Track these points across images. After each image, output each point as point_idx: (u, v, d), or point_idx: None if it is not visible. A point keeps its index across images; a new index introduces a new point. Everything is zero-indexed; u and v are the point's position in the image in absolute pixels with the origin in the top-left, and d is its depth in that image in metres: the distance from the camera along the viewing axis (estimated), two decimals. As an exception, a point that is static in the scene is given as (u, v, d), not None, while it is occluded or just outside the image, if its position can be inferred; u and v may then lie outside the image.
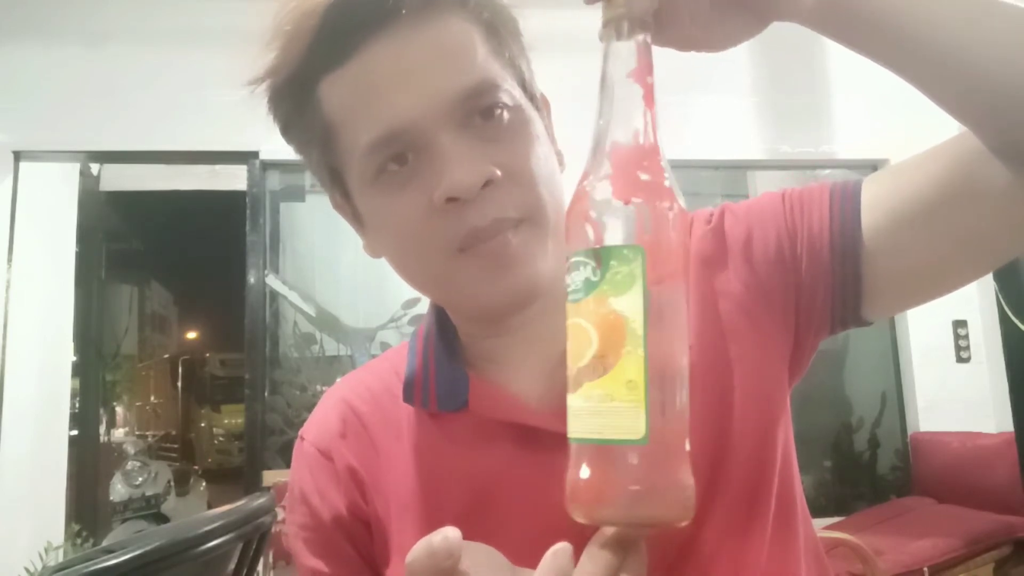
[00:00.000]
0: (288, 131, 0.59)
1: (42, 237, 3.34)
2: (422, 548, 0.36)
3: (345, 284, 3.37)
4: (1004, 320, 2.76)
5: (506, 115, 0.52)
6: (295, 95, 0.55)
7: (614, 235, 0.38)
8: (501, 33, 0.55)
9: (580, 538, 0.52)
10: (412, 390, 0.60)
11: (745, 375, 0.56)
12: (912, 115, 3.40)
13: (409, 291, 3.43)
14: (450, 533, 0.36)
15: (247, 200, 3.22)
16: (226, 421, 10.62)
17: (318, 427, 0.64)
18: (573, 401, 0.38)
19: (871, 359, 3.59)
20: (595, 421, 0.37)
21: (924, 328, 3.40)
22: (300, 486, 0.63)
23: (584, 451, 0.38)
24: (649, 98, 0.40)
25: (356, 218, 0.60)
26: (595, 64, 0.40)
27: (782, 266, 0.57)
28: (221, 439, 10.57)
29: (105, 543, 2.86)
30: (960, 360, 3.47)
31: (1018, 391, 2.78)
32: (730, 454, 0.54)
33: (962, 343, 3.46)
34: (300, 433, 0.65)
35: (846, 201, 0.55)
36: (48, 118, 3.10)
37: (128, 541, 1.23)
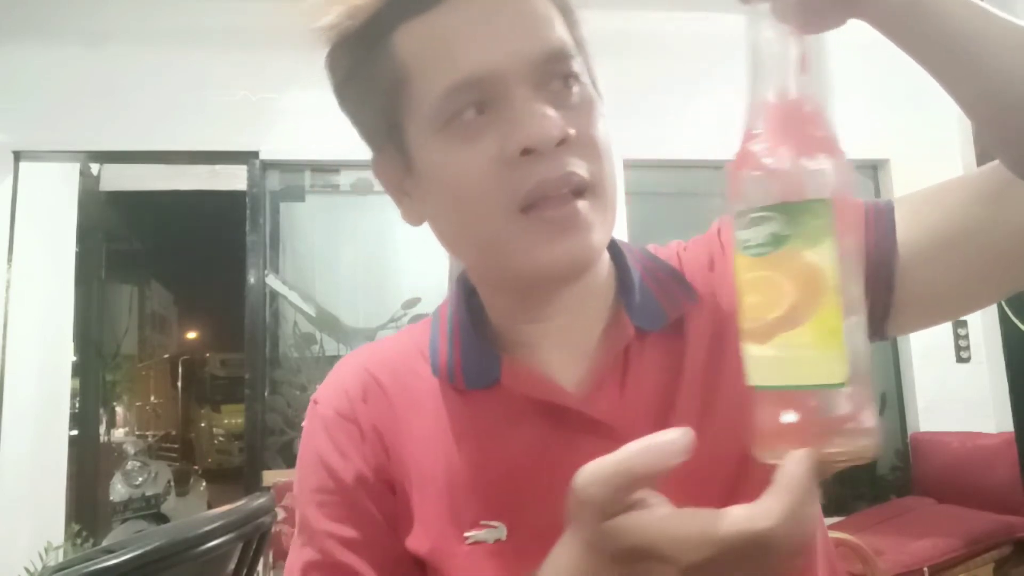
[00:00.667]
0: (347, 83, 0.59)
1: (42, 237, 3.34)
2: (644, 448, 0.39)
3: (345, 284, 3.37)
4: (1004, 320, 2.76)
5: (578, 87, 0.54)
6: (366, 43, 0.55)
7: (800, 190, 0.39)
8: (574, 19, 0.57)
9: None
10: (439, 365, 0.60)
11: None
12: (912, 116, 3.42)
13: (409, 291, 3.45)
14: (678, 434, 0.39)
15: (247, 200, 3.22)
16: (226, 421, 10.62)
17: (336, 391, 0.63)
18: (762, 351, 0.39)
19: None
20: (794, 368, 0.38)
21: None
22: (316, 450, 0.61)
23: (782, 397, 0.39)
24: (808, 56, 0.42)
25: (406, 177, 0.58)
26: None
27: None
28: (221, 439, 10.57)
29: (105, 543, 2.86)
30: (960, 360, 3.47)
31: (1018, 391, 2.78)
32: (750, 455, 0.55)
33: (962, 343, 3.46)
34: (313, 398, 0.64)
35: (880, 217, 0.57)
36: (48, 118, 3.10)
37: (128, 541, 1.23)
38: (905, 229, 0.56)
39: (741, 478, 0.55)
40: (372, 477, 0.59)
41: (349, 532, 0.58)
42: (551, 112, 0.51)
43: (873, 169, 3.64)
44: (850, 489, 3.52)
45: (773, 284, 0.39)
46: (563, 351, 0.59)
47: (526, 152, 0.50)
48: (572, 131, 0.52)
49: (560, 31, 0.54)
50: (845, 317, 0.38)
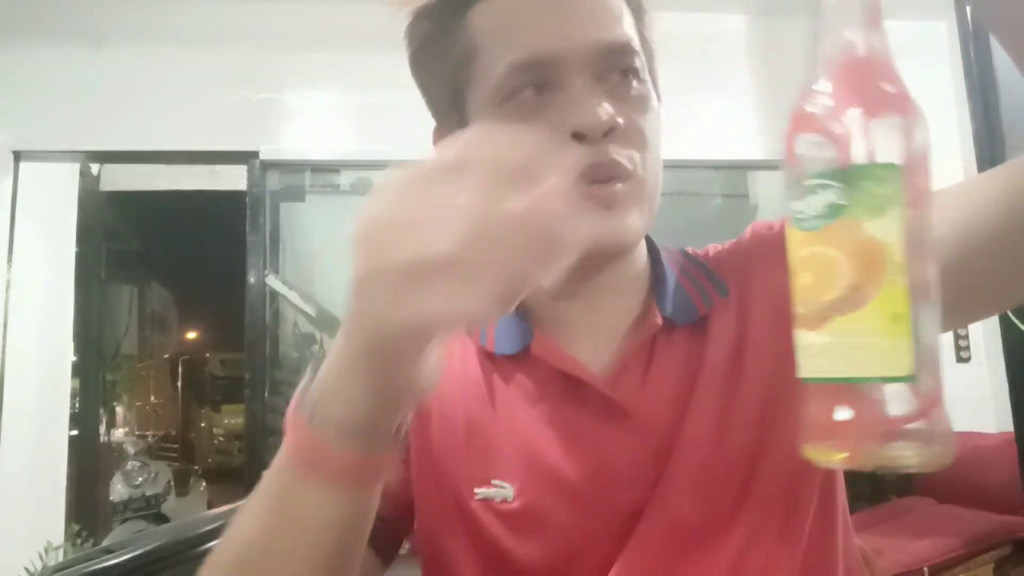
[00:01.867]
0: (421, 52, 0.61)
1: (42, 237, 3.34)
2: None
3: (345, 284, 3.37)
4: (1004, 320, 2.76)
5: (636, 84, 0.56)
6: (445, 16, 0.58)
7: (862, 153, 0.34)
8: (645, 19, 0.60)
9: (627, 492, 0.56)
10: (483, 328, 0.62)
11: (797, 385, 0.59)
12: (912, 115, 3.41)
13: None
14: None
15: (247, 200, 3.22)
16: (226, 421, 10.62)
17: None
18: (814, 338, 0.35)
19: (871, 359, 3.59)
20: (852, 358, 0.34)
21: (924, 328, 3.40)
22: None
23: (837, 391, 0.35)
24: (876, 7, 0.37)
25: None
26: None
27: None
28: (221, 439, 10.57)
29: (105, 543, 2.86)
30: (960, 360, 3.47)
31: (1018, 391, 2.77)
32: (767, 456, 0.56)
33: (962, 343, 3.46)
34: None
35: None
36: (48, 118, 3.10)
37: (128, 541, 1.23)
38: (938, 231, 0.57)
39: (755, 476, 0.56)
40: None
41: None
42: (605, 101, 0.53)
43: (873, 169, 3.64)
44: (850, 489, 3.50)
45: (829, 261, 0.34)
46: (592, 334, 0.60)
47: (576, 136, 0.52)
48: (621, 121, 0.54)
49: (627, 27, 0.56)
50: (913, 300, 0.33)
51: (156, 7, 3.14)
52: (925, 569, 2.56)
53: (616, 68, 0.55)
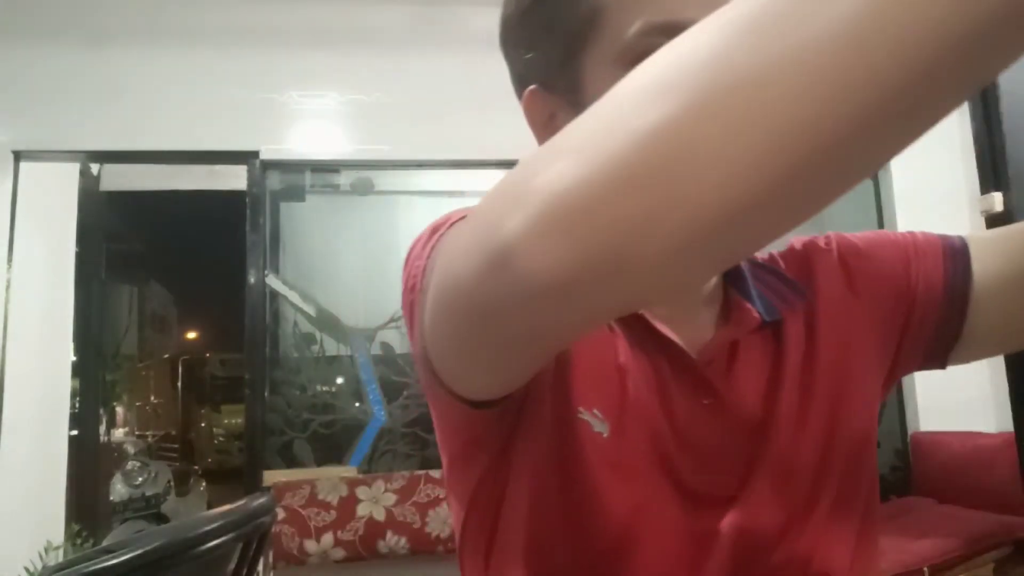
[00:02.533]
0: (532, 11, 0.57)
1: (42, 237, 3.35)
2: None
3: (345, 284, 3.37)
4: (1004, 320, 2.75)
5: None
6: None
7: None
8: None
9: (718, 475, 0.56)
10: None
11: (854, 393, 0.61)
12: (912, 115, 3.41)
13: (409, 291, 3.44)
14: None
15: (247, 200, 3.22)
16: (226, 421, 10.62)
17: None
18: None
19: (871, 359, 3.58)
20: None
21: (924, 328, 3.40)
22: None
23: None
24: None
25: (565, 110, 0.58)
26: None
27: (898, 304, 0.62)
28: (221, 439, 10.57)
29: (105, 543, 2.86)
30: (960, 360, 3.47)
31: (1018, 391, 2.77)
32: (833, 460, 0.59)
33: (962, 343, 3.46)
34: None
35: (956, 251, 0.61)
36: (48, 118, 3.10)
37: (128, 541, 1.23)
38: (981, 262, 0.59)
39: (823, 473, 0.58)
40: None
41: None
42: None
43: (873, 169, 3.64)
44: (850, 489, 3.52)
45: None
46: (676, 319, 0.60)
47: None
48: None
49: None
50: None
51: (156, 7, 3.15)
52: (925, 569, 2.56)
53: None
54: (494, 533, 0.59)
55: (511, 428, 0.57)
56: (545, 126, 0.60)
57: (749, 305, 0.60)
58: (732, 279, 0.63)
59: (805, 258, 0.66)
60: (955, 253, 0.61)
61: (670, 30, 0.50)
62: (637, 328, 0.59)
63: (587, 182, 0.29)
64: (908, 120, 0.26)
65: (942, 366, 0.64)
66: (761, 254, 0.68)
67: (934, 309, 0.61)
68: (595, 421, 0.56)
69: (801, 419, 0.59)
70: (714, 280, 0.63)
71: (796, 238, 0.68)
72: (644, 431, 0.56)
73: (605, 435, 0.55)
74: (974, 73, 0.25)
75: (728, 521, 0.56)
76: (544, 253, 0.30)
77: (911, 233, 0.65)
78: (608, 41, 0.54)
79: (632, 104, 0.28)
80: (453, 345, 0.43)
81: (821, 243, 0.66)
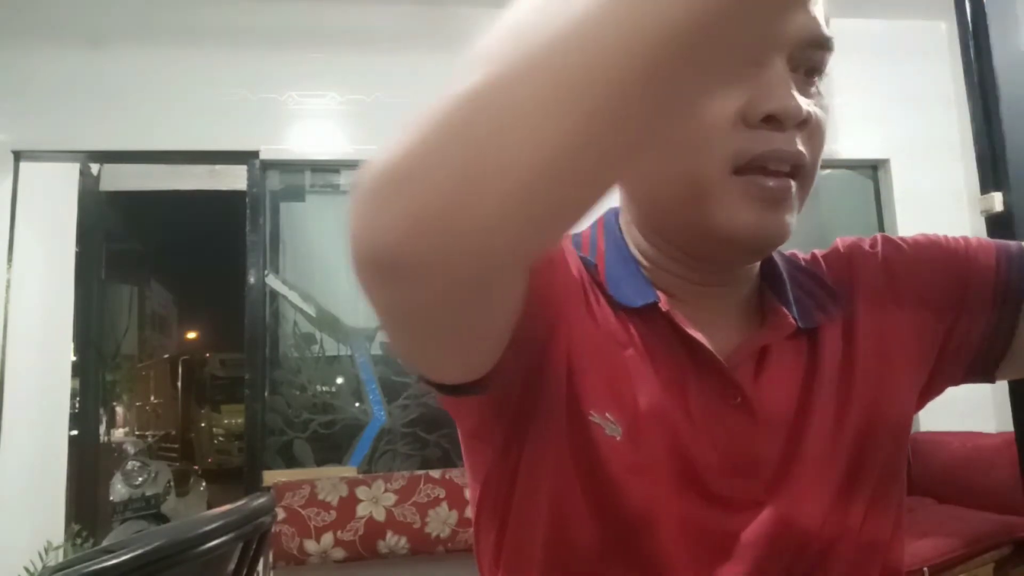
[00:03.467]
0: None
1: (42, 237, 3.34)
2: None
3: (345, 284, 3.37)
4: (1004, 320, 2.75)
5: (819, 81, 0.55)
6: None
7: None
8: (829, 20, 0.58)
9: (743, 479, 0.56)
10: (600, 276, 0.60)
11: (891, 402, 0.60)
12: (912, 116, 3.42)
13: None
14: None
15: (247, 200, 3.22)
16: (226, 421, 10.62)
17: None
18: None
19: (871, 359, 3.58)
20: None
21: (924, 328, 3.40)
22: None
23: None
24: None
25: None
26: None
27: (943, 312, 0.61)
28: (221, 439, 10.57)
29: (105, 543, 2.86)
30: (960, 360, 3.47)
31: (1018, 391, 2.77)
32: (867, 469, 0.58)
33: (962, 343, 3.46)
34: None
35: (1011, 258, 0.59)
36: (48, 118, 3.10)
37: (128, 541, 1.23)
38: None
39: (857, 482, 0.57)
40: (559, 298, 0.55)
41: None
42: (799, 90, 0.52)
43: (873, 169, 3.64)
44: (850, 489, 3.52)
45: None
46: (709, 320, 0.59)
47: (769, 119, 0.51)
48: (813, 115, 0.52)
49: (828, 24, 0.54)
50: None
51: (156, 7, 3.15)
52: (925, 569, 2.56)
53: (810, 62, 0.53)
54: (506, 524, 0.58)
55: (513, 426, 0.56)
56: None
57: (785, 311, 0.59)
58: (771, 282, 0.62)
59: (848, 261, 0.64)
60: (1010, 260, 0.59)
61: None
62: (662, 328, 0.58)
63: (409, 151, 0.30)
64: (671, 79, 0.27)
65: (990, 379, 0.62)
66: (805, 255, 0.67)
67: (982, 319, 0.60)
68: (607, 424, 0.55)
69: (837, 427, 0.57)
70: (751, 284, 0.62)
71: (840, 239, 0.67)
72: (661, 433, 0.55)
73: (618, 438, 0.55)
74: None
75: (755, 526, 0.55)
76: (373, 226, 0.31)
77: (964, 238, 0.63)
78: None
79: (459, 75, 0.30)
80: (383, 328, 0.42)
81: (866, 245, 0.65)
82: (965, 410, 3.32)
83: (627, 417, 0.55)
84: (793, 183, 0.53)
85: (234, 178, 3.42)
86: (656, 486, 0.54)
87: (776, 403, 0.57)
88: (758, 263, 0.62)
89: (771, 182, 0.52)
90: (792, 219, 0.54)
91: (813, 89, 0.54)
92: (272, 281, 3.22)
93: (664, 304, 0.57)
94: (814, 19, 0.52)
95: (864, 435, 0.58)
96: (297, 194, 3.40)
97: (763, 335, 0.59)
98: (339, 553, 2.71)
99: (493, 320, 0.44)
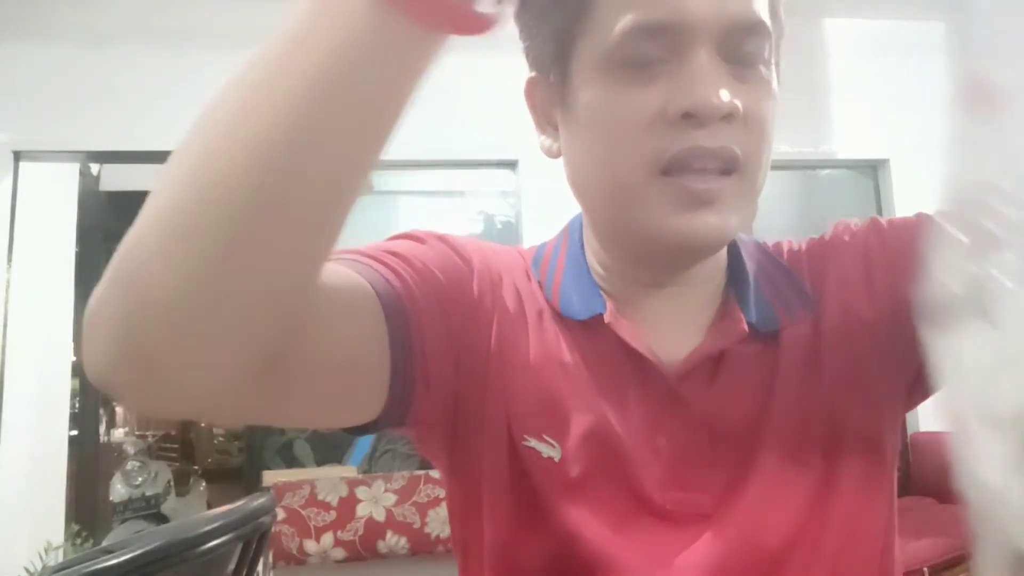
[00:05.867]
0: None
1: (42, 237, 3.34)
2: None
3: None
4: (1004, 320, 2.75)
5: (761, 67, 0.52)
6: None
7: None
8: (777, 3, 0.54)
9: (687, 492, 0.54)
10: (544, 284, 0.59)
11: (865, 404, 0.56)
12: (912, 115, 3.42)
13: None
14: None
15: (247, 200, 3.21)
16: (226, 421, 10.60)
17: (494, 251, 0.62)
18: None
19: (871, 359, 3.59)
20: None
21: (924, 328, 3.40)
22: (461, 240, 0.60)
23: None
24: None
25: (557, 106, 0.56)
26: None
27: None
28: (221, 439, 10.55)
29: (105, 543, 2.86)
30: (960, 360, 3.47)
31: (1018, 391, 2.77)
32: (840, 480, 0.55)
33: (962, 343, 3.46)
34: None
35: None
36: (48, 118, 3.10)
37: (128, 541, 1.23)
38: None
39: (826, 496, 0.55)
40: (464, 310, 0.56)
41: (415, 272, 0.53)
42: (726, 82, 0.49)
43: (873, 169, 3.64)
44: (850, 489, 3.52)
45: None
46: (665, 324, 0.57)
47: (687, 116, 0.48)
48: (741, 106, 0.49)
49: (762, 8, 0.51)
50: None
51: (156, 7, 3.14)
52: (925, 569, 2.56)
53: (744, 48, 0.50)
54: (466, 549, 0.59)
55: (452, 453, 0.57)
56: (543, 117, 0.58)
57: (740, 314, 0.56)
58: (735, 280, 0.59)
59: (828, 252, 0.61)
60: None
61: (653, 31, 0.48)
62: (608, 340, 0.56)
63: (96, 295, 0.37)
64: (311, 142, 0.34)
65: None
66: (793, 244, 0.64)
67: None
68: (543, 447, 0.54)
69: (800, 436, 0.54)
70: (715, 281, 0.59)
71: (836, 224, 0.63)
72: (601, 450, 0.54)
73: (556, 459, 0.54)
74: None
75: (702, 542, 0.53)
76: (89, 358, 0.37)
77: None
78: (595, 39, 0.51)
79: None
80: None
81: (847, 235, 0.62)
82: (965, 410, 3.33)
83: (564, 437, 0.54)
84: (728, 180, 0.50)
85: (234, 178, 3.42)
86: (596, 504, 0.53)
87: (730, 412, 0.55)
88: (725, 257, 0.59)
89: (698, 182, 0.49)
90: (732, 218, 0.51)
91: (755, 73, 0.51)
92: (272, 281, 3.22)
93: (609, 315, 0.56)
94: (741, 4, 0.49)
95: (835, 444, 0.55)
96: (297, 194, 3.40)
97: (714, 341, 0.56)
98: (339, 553, 2.71)
99: (298, 392, 0.46)
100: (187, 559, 1.17)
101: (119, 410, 6.64)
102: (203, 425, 10.96)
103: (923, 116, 3.37)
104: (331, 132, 0.34)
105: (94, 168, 3.84)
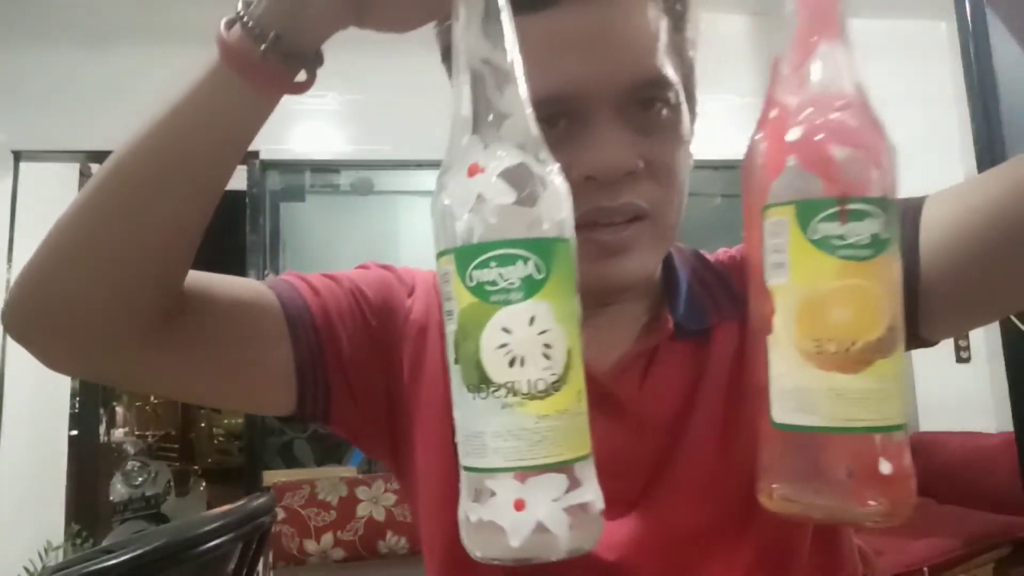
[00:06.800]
0: (445, 59, 0.60)
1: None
2: None
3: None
4: (1004, 320, 2.76)
5: (664, 112, 0.53)
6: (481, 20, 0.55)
7: (893, 184, 0.32)
8: (685, 28, 0.56)
9: (614, 481, 0.53)
10: None
11: None
12: (912, 116, 3.42)
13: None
14: None
15: (247, 200, 3.22)
16: (226, 421, 10.60)
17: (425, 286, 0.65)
18: (854, 382, 0.30)
19: (871, 359, 3.59)
20: (884, 406, 0.30)
21: (924, 328, 3.41)
22: (386, 272, 0.65)
23: (870, 442, 0.31)
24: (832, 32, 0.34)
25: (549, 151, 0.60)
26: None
27: None
28: (221, 439, 10.54)
29: (105, 543, 2.86)
30: (960, 360, 3.47)
31: (1018, 391, 2.77)
32: None
33: (962, 343, 3.46)
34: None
35: (906, 221, 0.54)
36: (48, 118, 3.10)
37: (128, 541, 1.23)
38: (929, 230, 0.52)
39: (748, 482, 0.55)
40: (389, 336, 0.61)
41: (336, 301, 0.60)
42: (626, 141, 0.51)
43: (873, 169, 3.64)
44: (850, 489, 3.52)
45: (873, 297, 0.30)
46: (601, 335, 0.59)
47: (589, 179, 0.50)
48: (641, 163, 0.51)
49: (661, 53, 0.52)
50: None
51: (156, 7, 3.15)
52: (925, 569, 2.56)
53: (644, 100, 0.52)
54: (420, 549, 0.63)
55: (395, 457, 0.62)
56: None
57: (668, 315, 0.59)
58: (667, 288, 0.62)
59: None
60: (904, 218, 0.53)
61: (555, 102, 0.50)
62: None
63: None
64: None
65: (924, 344, 0.56)
66: (731, 251, 0.66)
67: None
68: None
69: (725, 428, 0.56)
70: (649, 296, 0.61)
71: None
72: None
73: None
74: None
75: (621, 525, 0.55)
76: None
77: None
78: None
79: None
80: None
81: None
82: (965, 410, 3.33)
83: None
84: (637, 226, 0.52)
85: (234, 178, 3.41)
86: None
87: (658, 406, 0.57)
88: (659, 270, 0.61)
89: (607, 235, 0.52)
90: (647, 260, 0.54)
91: (660, 120, 0.53)
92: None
93: None
94: (633, 64, 0.51)
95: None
96: (297, 194, 3.40)
97: (643, 341, 0.59)
98: (339, 553, 2.71)
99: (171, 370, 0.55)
100: (187, 559, 1.18)
101: (119, 410, 6.64)
102: (203, 425, 10.97)
103: (923, 116, 3.37)
104: (186, 168, 0.49)
105: (94, 168, 3.83)
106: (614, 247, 0.52)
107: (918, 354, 2.70)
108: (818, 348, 0.31)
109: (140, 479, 4.39)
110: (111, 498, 4.26)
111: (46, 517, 3.18)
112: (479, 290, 0.33)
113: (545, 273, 0.32)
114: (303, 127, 3.23)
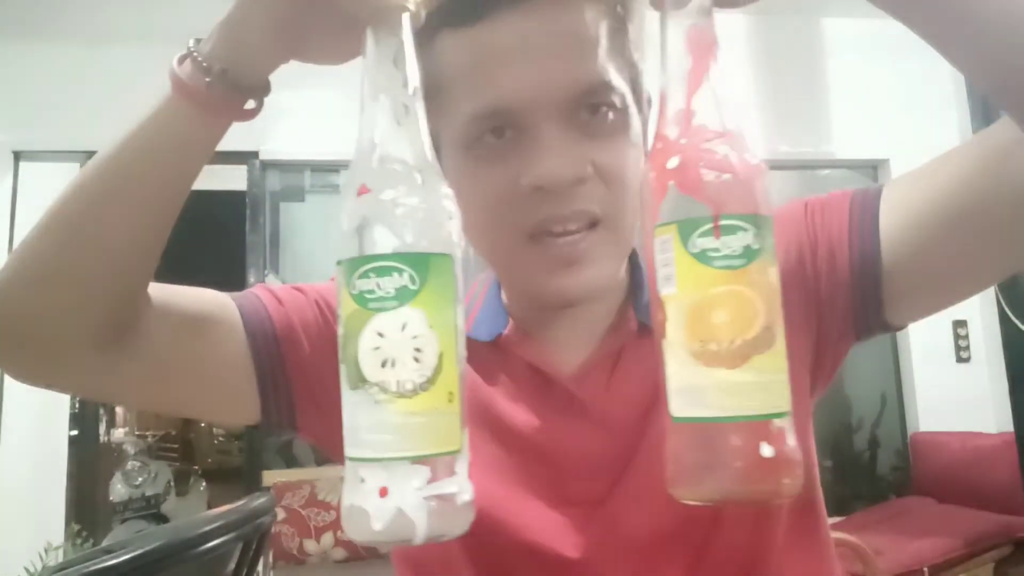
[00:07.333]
0: None
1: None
2: None
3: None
4: (1004, 320, 2.75)
5: (611, 115, 0.53)
6: (418, 37, 0.55)
7: (765, 201, 0.36)
8: (628, 29, 0.55)
9: (579, 481, 0.57)
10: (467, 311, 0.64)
11: None
12: (912, 116, 3.42)
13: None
14: None
15: (247, 200, 3.22)
16: (226, 421, 10.60)
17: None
18: (735, 376, 0.35)
19: (871, 359, 3.59)
20: (764, 396, 0.35)
21: (924, 328, 3.40)
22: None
23: (753, 428, 0.35)
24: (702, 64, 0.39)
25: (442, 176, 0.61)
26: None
27: (802, 277, 0.57)
28: (221, 439, 10.54)
29: (105, 543, 2.86)
30: (960, 360, 3.47)
31: (1018, 391, 2.77)
32: None
33: (962, 343, 3.46)
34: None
35: (866, 207, 0.55)
36: (48, 118, 3.10)
37: (128, 541, 1.23)
38: (889, 214, 0.53)
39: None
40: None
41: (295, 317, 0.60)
42: (573, 149, 0.50)
43: (873, 169, 3.64)
44: (850, 489, 3.52)
45: (746, 302, 0.35)
46: (567, 338, 0.60)
47: (537, 188, 0.51)
48: (590, 169, 0.51)
49: (603, 57, 0.52)
50: None
51: (156, 7, 3.14)
52: (925, 569, 2.56)
53: (589, 106, 0.52)
54: None
55: None
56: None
57: (632, 313, 0.60)
58: (633, 288, 0.62)
59: None
60: (864, 204, 0.55)
61: (495, 115, 0.51)
62: (512, 355, 0.60)
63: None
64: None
65: (890, 329, 0.57)
66: None
67: (843, 272, 0.55)
68: None
69: None
70: (614, 298, 0.62)
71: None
72: (499, 457, 0.57)
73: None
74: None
75: (594, 525, 0.56)
76: None
77: (828, 194, 0.59)
78: (449, 121, 0.54)
79: None
80: None
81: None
82: (965, 410, 3.33)
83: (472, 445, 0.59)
84: (593, 234, 0.52)
85: (234, 178, 3.42)
86: (506, 496, 0.57)
87: (625, 407, 0.58)
88: (624, 271, 0.62)
89: (562, 245, 0.52)
90: (605, 267, 0.54)
91: (607, 124, 0.52)
92: (272, 281, 3.22)
93: (509, 333, 0.60)
94: (574, 72, 0.51)
95: None
96: (297, 194, 3.40)
97: (608, 343, 0.60)
98: (339, 553, 2.71)
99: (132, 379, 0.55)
100: (187, 559, 1.18)
101: (119, 410, 6.64)
102: (203, 425, 10.97)
103: (923, 116, 3.37)
104: (142, 187, 0.52)
105: (94, 168, 3.84)
106: (571, 257, 0.52)
107: (918, 354, 2.73)
108: (703, 347, 0.35)
109: (140, 479, 4.39)
110: (111, 498, 4.26)
111: (46, 517, 3.18)
112: (360, 298, 0.38)
113: (419, 284, 0.36)
114: (303, 127, 3.23)
